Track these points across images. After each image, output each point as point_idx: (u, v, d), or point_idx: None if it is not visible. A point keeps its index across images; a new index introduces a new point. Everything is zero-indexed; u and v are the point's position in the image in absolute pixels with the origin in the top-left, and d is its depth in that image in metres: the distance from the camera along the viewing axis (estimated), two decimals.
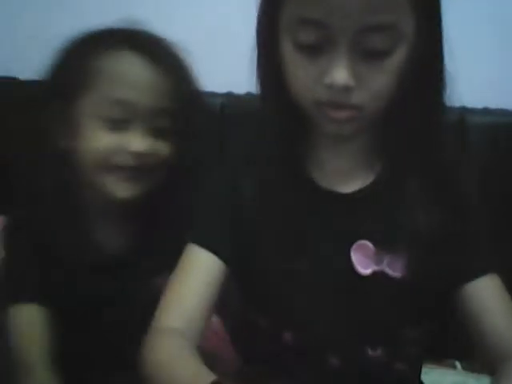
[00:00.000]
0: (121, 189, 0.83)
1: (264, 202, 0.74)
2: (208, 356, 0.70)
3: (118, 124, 0.81)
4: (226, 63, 0.89)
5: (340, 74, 0.63)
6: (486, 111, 1.27)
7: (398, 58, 0.64)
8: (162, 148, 0.84)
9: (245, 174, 0.76)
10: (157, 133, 0.83)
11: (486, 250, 0.75)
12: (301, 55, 0.65)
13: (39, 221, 0.85)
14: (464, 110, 1.24)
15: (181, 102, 0.84)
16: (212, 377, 0.60)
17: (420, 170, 0.72)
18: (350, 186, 0.75)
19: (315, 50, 0.64)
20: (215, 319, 0.94)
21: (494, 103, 1.26)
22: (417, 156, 0.72)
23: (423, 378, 0.83)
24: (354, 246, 0.73)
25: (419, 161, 0.72)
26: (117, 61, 0.82)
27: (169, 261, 0.75)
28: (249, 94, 0.75)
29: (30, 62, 1.42)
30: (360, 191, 0.74)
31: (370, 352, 0.73)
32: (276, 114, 0.73)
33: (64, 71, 0.85)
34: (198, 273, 0.73)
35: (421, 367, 0.83)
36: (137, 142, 0.82)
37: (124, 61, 0.83)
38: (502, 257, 0.75)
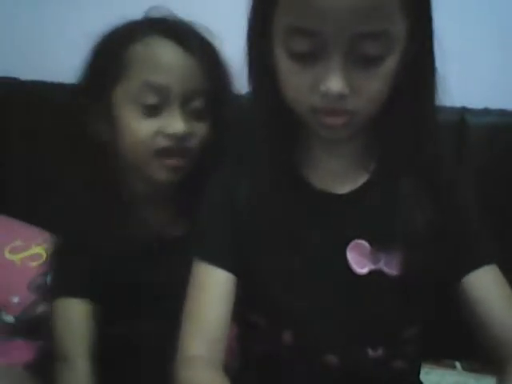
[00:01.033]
0: (163, 172, 0.85)
1: (260, 204, 0.74)
2: None
3: (154, 109, 0.83)
4: None
5: (335, 83, 0.63)
6: (486, 111, 1.26)
7: (391, 62, 0.65)
8: (199, 129, 0.86)
9: (241, 175, 0.76)
10: (193, 114, 0.86)
11: (483, 242, 0.76)
12: (295, 63, 0.65)
13: (83, 215, 0.86)
14: (464, 110, 1.24)
15: (213, 82, 0.86)
16: None
17: (414, 170, 0.73)
18: (344, 187, 0.75)
19: (309, 58, 0.64)
20: None
21: (494, 103, 1.26)
22: (410, 156, 0.72)
23: (423, 378, 0.83)
24: (350, 246, 0.73)
25: (413, 160, 0.72)
26: (148, 47, 0.84)
27: None
28: (249, 94, 0.75)
29: (30, 62, 1.42)
30: (355, 191, 0.75)
31: (370, 352, 0.73)
32: (269, 117, 0.73)
33: (99, 63, 0.87)
34: (212, 293, 0.73)
35: (420, 364, 0.83)
36: (175, 124, 0.83)
37: (155, 47, 0.85)
38: (501, 256, 0.75)
